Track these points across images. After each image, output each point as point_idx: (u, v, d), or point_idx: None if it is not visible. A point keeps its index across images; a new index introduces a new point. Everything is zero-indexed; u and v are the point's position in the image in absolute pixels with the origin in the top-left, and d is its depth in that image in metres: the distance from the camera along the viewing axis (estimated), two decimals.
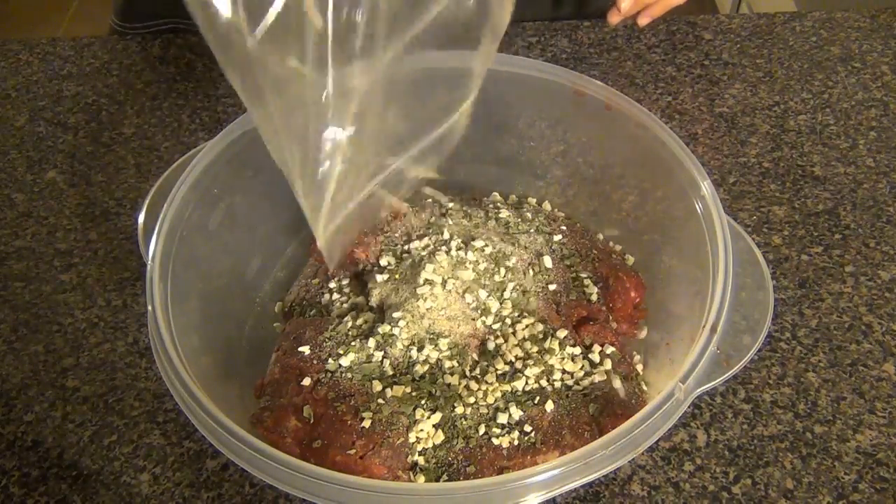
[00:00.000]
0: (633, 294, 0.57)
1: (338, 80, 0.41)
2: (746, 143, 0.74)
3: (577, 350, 0.52)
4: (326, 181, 0.45)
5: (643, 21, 0.78)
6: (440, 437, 0.47)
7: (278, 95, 0.41)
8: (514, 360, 0.51)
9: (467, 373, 0.51)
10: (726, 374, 0.45)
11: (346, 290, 0.58)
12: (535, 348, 0.51)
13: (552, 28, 0.86)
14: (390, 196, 0.54)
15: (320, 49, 0.39)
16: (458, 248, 0.56)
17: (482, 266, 0.55)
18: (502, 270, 0.55)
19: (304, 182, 0.45)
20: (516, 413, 0.48)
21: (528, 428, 0.47)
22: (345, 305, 0.56)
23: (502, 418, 0.48)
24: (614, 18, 0.78)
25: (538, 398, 0.49)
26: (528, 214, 0.61)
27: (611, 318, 0.56)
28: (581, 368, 0.51)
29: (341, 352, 0.51)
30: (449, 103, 0.48)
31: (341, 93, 0.42)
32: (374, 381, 0.50)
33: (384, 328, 0.52)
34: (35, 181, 0.73)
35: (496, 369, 0.51)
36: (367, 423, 0.47)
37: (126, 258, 0.65)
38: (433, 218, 0.60)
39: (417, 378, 0.50)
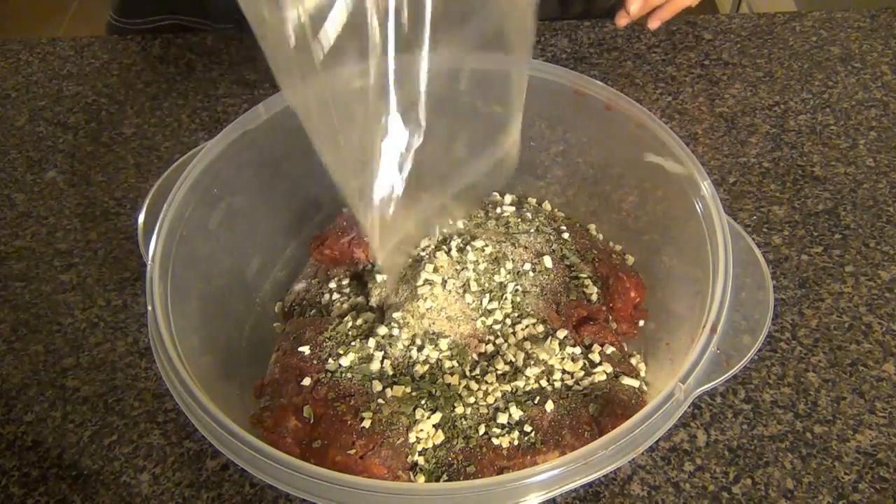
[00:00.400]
0: (633, 294, 0.57)
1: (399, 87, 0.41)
2: (746, 143, 0.74)
3: (577, 350, 0.52)
4: (386, 202, 0.46)
5: (654, 25, 0.78)
6: (440, 437, 0.47)
7: (343, 114, 0.42)
8: (514, 360, 0.51)
9: (467, 373, 0.51)
10: (726, 374, 0.45)
11: (346, 290, 0.58)
12: (535, 348, 0.51)
13: (552, 28, 0.86)
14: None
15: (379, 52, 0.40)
16: (459, 249, 0.56)
17: (482, 266, 0.55)
18: (502, 270, 0.55)
19: (363, 201, 0.45)
20: (516, 413, 0.48)
21: (528, 428, 0.47)
22: (345, 305, 0.56)
23: (502, 418, 0.48)
24: (622, 21, 0.78)
25: (538, 398, 0.49)
26: (528, 214, 0.61)
27: (611, 318, 0.56)
28: (581, 368, 0.51)
29: (341, 352, 0.51)
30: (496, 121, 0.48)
31: (405, 103, 0.42)
32: (374, 381, 0.50)
33: (384, 328, 0.52)
34: (35, 181, 0.73)
35: (496, 369, 0.51)
36: (367, 423, 0.47)
37: (126, 258, 0.65)
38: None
39: (417, 378, 0.50)
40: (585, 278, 0.58)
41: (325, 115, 0.41)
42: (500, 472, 0.46)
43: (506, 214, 0.61)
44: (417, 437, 0.47)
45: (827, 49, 0.84)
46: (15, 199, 0.71)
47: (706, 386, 0.44)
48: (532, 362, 0.50)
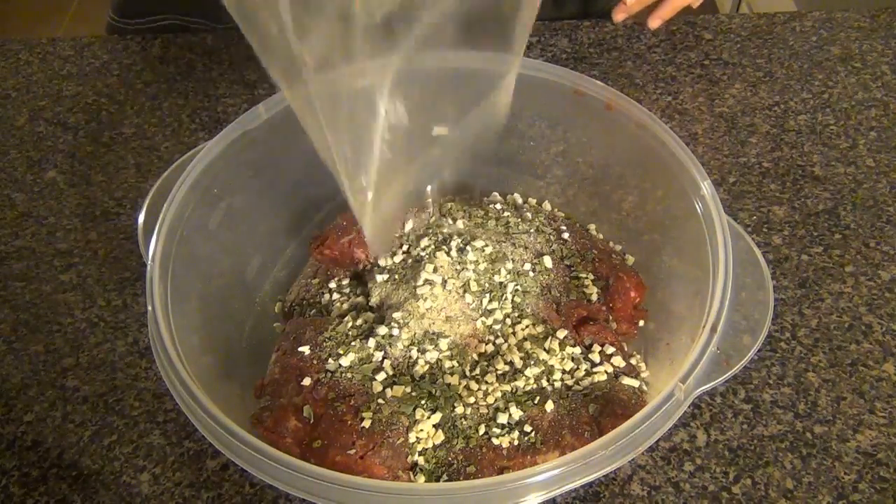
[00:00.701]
0: (633, 294, 0.57)
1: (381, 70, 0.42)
2: (746, 143, 0.74)
3: (577, 350, 0.52)
4: (372, 173, 0.46)
5: (654, 24, 0.78)
6: (440, 437, 0.47)
7: (328, 98, 0.42)
8: (513, 360, 0.51)
9: (467, 373, 0.51)
10: (726, 374, 0.45)
11: (346, 290, 0.58)
12: (535, 348, 0.51)
13: (552, 28, 0.86)
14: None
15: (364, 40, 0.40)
16: (459, 249, 0.56)
17: (482, 266, 0.55)
18: (502, 270, 0.55)
19: (351, 174, 0.46)
20: (516, 413, 0.48)
21: (528, 428, 0.47)
22: (345, 305, 0.56)
23: (502, 418, 0.48)
24: (619, 16, 0.77)
25: (538, 398, 0.49)
26: (528, 214, 0.61)
27: (611, 318, 0.56)
28: (581, 368, 0.51)
29: (341, 352, 0.51)
30: (482, 96, 0.49)
31: (385, 84, 0.43)
32: (374, 381, 0.50)
33: (384, 328, 0.52)
34: (35, 181, 0.73)
35: (496, 369, 0.51)
36: (367, 423, 0.47)
37: (126, 258, 0.65)
38: (433, 218, 0.60)
39: (417, 378, 0.50)
40: (585, 278, 0.58)
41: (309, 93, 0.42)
42: (500, 472, 0.46)
43: (506, 214, 0.61)
44: (417, 437, 0.47)
45: (827, 49, 0.84)
46: (15, 199, 0.71)
47: (706, 386, 0.44)
48: (532, 362, 0.50)
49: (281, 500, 0.51)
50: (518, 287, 0.54)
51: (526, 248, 0.57)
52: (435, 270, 0.54)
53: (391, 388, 0.49)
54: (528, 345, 0.52)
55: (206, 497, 0.51)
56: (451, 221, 0.59)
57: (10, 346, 0.60)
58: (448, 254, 0.55)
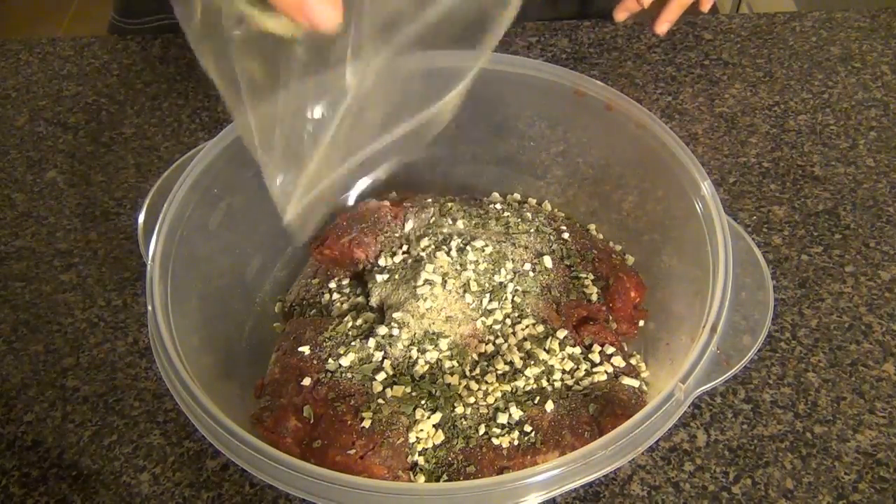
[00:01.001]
0: (633, 294, 0.57)
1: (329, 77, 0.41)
2: (746, 143, 0.74)
3: (577, 350, 0.52)
4: (303, 157, 0.44)
5: (662, 29, 0.77)
6: (440, 437, 0.47)
7: (263, 71, 0.41)
8: (514, 360, 0.51)
9: (467, 373, 0.51)
10: (726, 374, 0.45)
11: (346, 290, 0.58)
12: (535, 348, 0.51)
13: (552, 28, 0.86)
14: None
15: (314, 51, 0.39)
16: (459, 249, 0.56)
17: (482, 266, 0.55)
18: (502, 271, 0.55)
19: (276, 157, 0.44)
20: (516, 413, 0.48)
21: (528, 428, 0.47)
22: (345, 305, 0.56)
23: (502, 418, 0.48)
24: (621, 15, 0.77)
25: (538, 398, 0.49)
26: (528, 214, 0.61)
27: (611, 318, 0.56)
28: (581, 368, 0.51)
29: (341, 352, 0.51)
30: (436, 94, 0.47)
31: (330, 82, 0.42)
32: (374, 381, 0.50)
33: (384, 328, 0.52)
34: (35, 181, 0.73)
35: (496, 369, 0.51)
36: (367, 423, 0.47)
37: (126, 258, 0.65)
38: (433, 218, 0.60)
39: (417, 378, 0.50)
40: (585, 278, 0.58)
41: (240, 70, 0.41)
42: (500, 472, 0.46)
43: (506, 214, 0.61)
44: (417, 437, 0.47)
45: (827, 49, 0.84)
46: (15, 199, 0.71)
47: (706, 386, 0.44)
48: (532, 362, 0.50)
49: (281, 500, 0.51)
50: (518, 287, 0.54)
51: (526, 248, 0.57)
52: (435, 270, 0.54)
53: (391, 388, 0.49)
54: (528, 345, 0.52)
55: (206, 497, 0.51)
56: (451, 221, 0.59)
57: (10, 346, 0.60)
58: (448, 254, 0.55)
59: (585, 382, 0.50)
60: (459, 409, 0.49)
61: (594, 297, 0.57)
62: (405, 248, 0.58)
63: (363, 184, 0.64)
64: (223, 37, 0.38)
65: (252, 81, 0.41)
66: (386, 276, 0.56)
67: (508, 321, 0.53)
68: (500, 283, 0.54)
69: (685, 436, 0.53)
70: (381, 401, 0.49)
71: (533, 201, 0.66)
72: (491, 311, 0.53)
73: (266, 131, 0.43)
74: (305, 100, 0.42)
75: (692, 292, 0.51)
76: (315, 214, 0.50)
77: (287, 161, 0.44)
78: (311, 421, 0.48)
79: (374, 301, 0.55)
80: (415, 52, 0.41)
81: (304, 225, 0.50)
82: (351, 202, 0.64)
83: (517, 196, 0.66)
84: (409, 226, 0.59)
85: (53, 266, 0.65)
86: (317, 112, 0.43)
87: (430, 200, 0.62)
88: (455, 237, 0.57)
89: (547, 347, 0.51)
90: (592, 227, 0.64)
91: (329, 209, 0.56)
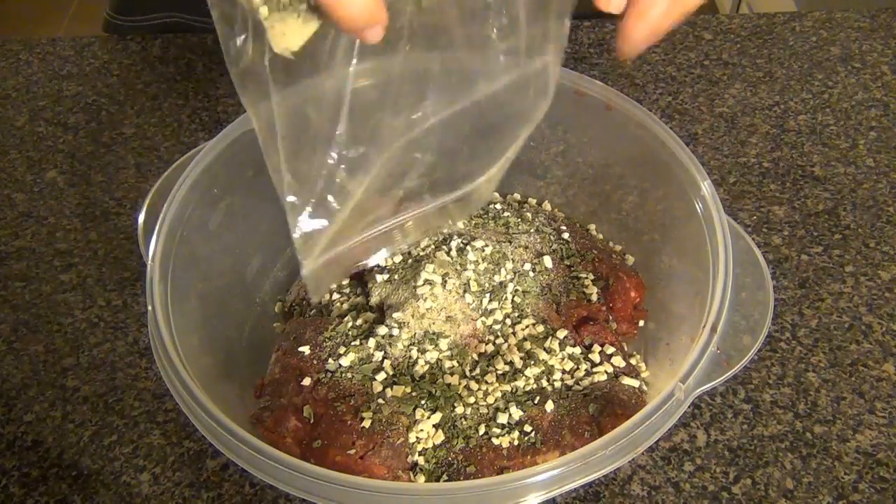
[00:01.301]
0: (633, 294, 0.57)
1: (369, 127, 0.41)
2: (746, 143, 0.74)
3: (577, 350, 0.52)
4: (334, 213, 0.43)
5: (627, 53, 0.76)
6: (440, 437, 0.47)
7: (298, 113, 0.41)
8: (514, 360, 0.51)
9: (467, 373, 0.51)
10: (726, 374, 0.45)
11: (346, 290, 0.58)
12: (535, 348, 0.51)
13: None
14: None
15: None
16: (459, 249, 0.56)
17: (482, 266, 0.55)
18: (502, 271, 0.55)
19: (307, 206, 0.43)
20: (516, 413, 0.48)
21: (528, 428, 0.47)
22: (345, 305, 0.56)
23: (502, 418, 0.48)
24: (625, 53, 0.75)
25: (538, 398, 0.49)
26: (528, 214, 0.61)
27: (611, 318, 0.56)
28: (581, 368, 0.51)
29: (341, 352, 0.51)
30: (478, 165, 0.47)
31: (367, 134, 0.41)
32: (374, 381, 0.50)
33: (384, 328, 0.52)
34: (35, 181, 0.73)
35: (496, 369, 0.51)
36: (367, 423, 0.47)
37: (126, 258, 0.65)
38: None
39: (417, 378, 0.50)
40: (585, 278, 0.58)
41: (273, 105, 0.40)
42: (500, 472, 0.46)
43: (506, 214, 0.61)
44: (417, 437, 0.47)
45: (827, 49, 0.84)
46: (15, 199, 0.71)
47: (706, 386, 0.44)
48: (532, 362, 0.50)
49: (281, 500, 0.51)
50: (518, 287, 0.54)
51: (526, 248, 0.57)
52: (435, 270, 0.54)
53: (391, 388, 0.49)
54: (528, 345, 0.52)
55: (206, 497, 0.51)
56: (450, 221, 0.59)
57: (10, 346, 0.60)
58: (448, 254, 0.55)
59: (585, 382, 0.50)
60: (459, 409, 0.49)
61: (594, 297, 0.57)
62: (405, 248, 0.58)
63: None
64: (265, 80, 0.37)
65: (293, 130, 0.41)
66: (386, 276, 0.56)
67: (508, 321, 0.53)
68: (500, 283, 0.54)
69: (685, 436, 0.53)
70: (381, 401, 0.49)
71: (533, 201, 0.66)
72: (491, 311, 0.53)
73: (301, 181, 0.42)
74: (345, 156, 0.42)
75: (692, 292, 0.51)
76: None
77: (317, 212, 0.43)
78: (311, 421, 0.48)
79: (374, 301, 0.55)
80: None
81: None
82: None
83: (517, 196, 0.66)
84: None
85: (53, 266, 0.65)
86: (355, 174, 0.42)
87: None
88: (455, 237, 0.57)
89: (547, 347, 0.51)
90: (592, 227, 0.64)
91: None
